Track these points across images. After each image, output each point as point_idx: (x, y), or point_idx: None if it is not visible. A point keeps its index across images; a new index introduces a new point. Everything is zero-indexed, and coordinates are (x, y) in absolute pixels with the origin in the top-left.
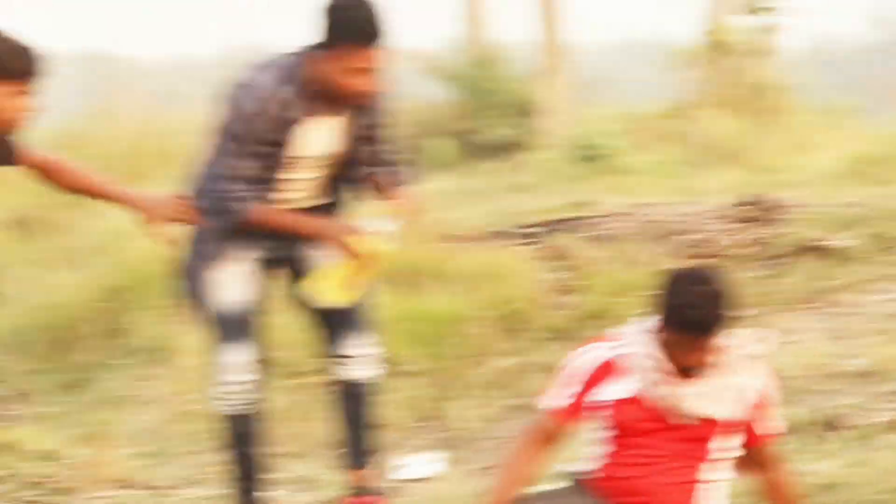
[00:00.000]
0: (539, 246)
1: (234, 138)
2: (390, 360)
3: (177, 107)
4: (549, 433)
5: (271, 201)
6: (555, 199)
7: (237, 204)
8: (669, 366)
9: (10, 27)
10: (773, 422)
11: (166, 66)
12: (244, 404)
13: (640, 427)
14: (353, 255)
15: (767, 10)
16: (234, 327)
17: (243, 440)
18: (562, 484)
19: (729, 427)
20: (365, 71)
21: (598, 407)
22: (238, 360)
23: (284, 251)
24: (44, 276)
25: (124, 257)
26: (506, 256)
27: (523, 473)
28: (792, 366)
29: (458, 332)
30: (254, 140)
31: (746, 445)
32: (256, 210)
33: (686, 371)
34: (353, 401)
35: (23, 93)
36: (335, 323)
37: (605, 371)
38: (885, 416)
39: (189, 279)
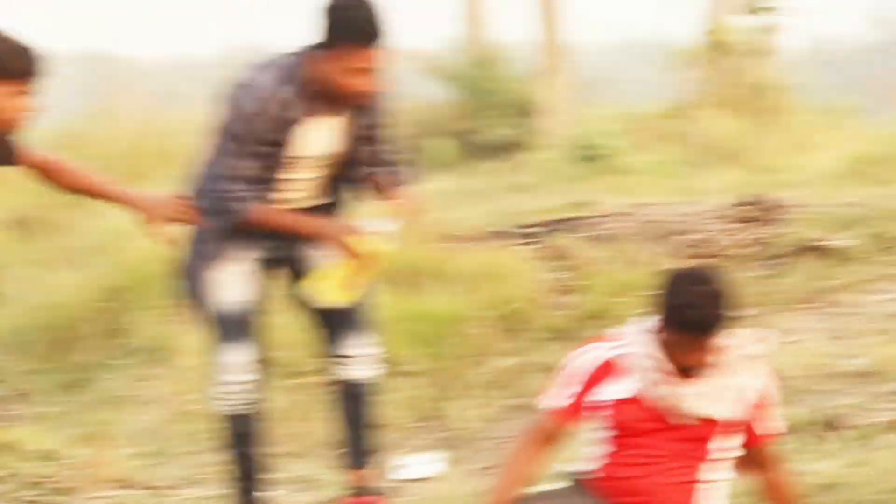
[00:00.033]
0: (539, 246)
1: (233, 138)
2: (390, 359)
3: (176, 107)
4: (550, 433)
5: (271, 201)
6: (555, 199)
7: (237, 204)
8: (669, 366)
9: (9, 27)
10: (773, 422)
11: (166, 66)
12: (244, 404)
13: (640, 427)
14: (353, 255)
15: (767, 10)
16: (233, 327)
17: (243, 440)
18: (562, 484)
19: (729, 427)
20: (365, 71)
21: (598, 407)
22: (238, 360)
23: (284, 251)
24: (44, 276)
25: (124, 257)
26: (505, 256)
27: (523, 473)
28: (792, 366)
29: (457, 332)
30: (254, 140)
31: (746, 445)
32: (256, 210)
33: (686, 371)
34: (352, 401)
35: (23, 93)
36: (335, 323)
37: (605, 371)
38: (885, 416)
39: (189, 279)
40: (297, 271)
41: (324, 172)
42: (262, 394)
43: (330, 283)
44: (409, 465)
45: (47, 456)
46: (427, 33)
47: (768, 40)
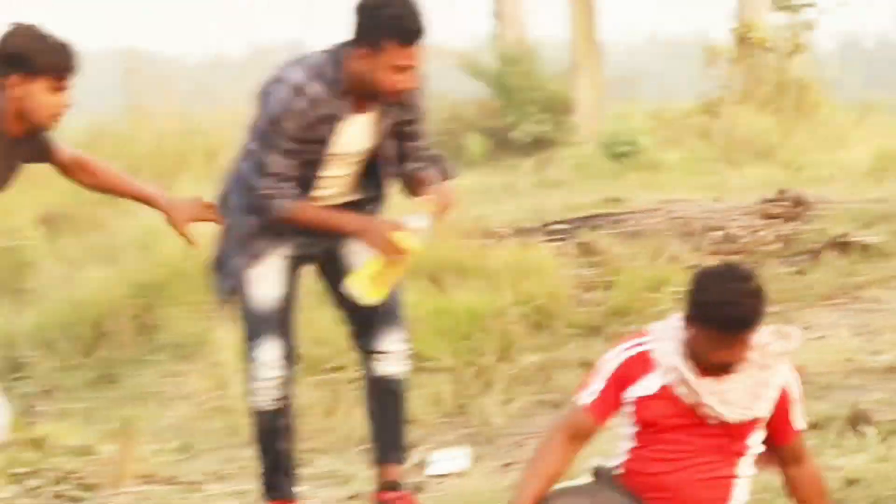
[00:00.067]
0: (567, 242)
1: (266, 135)
2: (416, 355)
3: (208, 104)
4: (580, 429)
5: (306, 198)
6: (584, 196)
7: (272, 201)
8: (700, 363)
9: (44, 24)
10: (799, 418)
11: (198, 64)
12: (275, 400)
13: (670, 423)
14: (391, 251)
15: (798, 7)
16: (266, 323)
17: (273, 435)
18: (590, 479)
19: (755, 423)
20: (406, 68)
21: (629, 403)
22: (270, 356)
23: (317, 247)
24: (74, 273)
25: (154, 254)
26: (533, 253)
27: (552, 469)
28: (816, 362)
29: (484, 328)
30: (286, 137)
31: (772, 441)
32: (292, 207)
33: (717, 368)
34: (383, 396)
35: (60, 89)
36: (368, 319)
37: (636, 368)
38: None
39: (223, 275)
40: (329, 268)
41: (355, 169)
42: (293, 389)
43: (366, 280)
44: (436, 460)
45: (75, 451)
46: (460, 30)
47: (799, 37)
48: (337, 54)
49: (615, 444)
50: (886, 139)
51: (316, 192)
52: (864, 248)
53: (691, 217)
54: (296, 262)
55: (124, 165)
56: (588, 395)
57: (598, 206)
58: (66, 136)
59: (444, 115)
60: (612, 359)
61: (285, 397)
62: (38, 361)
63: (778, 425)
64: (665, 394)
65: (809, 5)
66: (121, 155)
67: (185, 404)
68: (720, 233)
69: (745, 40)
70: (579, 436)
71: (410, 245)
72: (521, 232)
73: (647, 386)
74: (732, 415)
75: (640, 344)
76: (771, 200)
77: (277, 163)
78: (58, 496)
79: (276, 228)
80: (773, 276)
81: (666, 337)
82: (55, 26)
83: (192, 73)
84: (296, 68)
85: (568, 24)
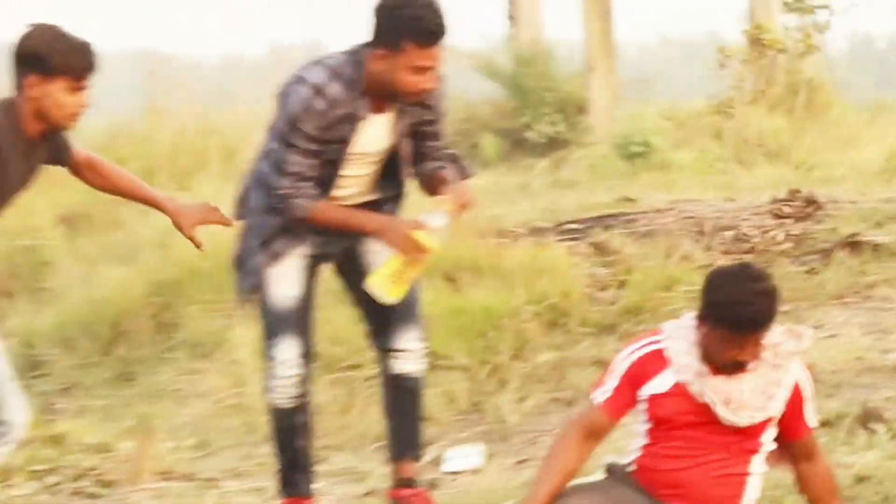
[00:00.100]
0: (581, 242)
1: (286, 135)
2: (433, 354)
3: (226, 105)
4: (595, 427)
5: (325, 198)
6: (598, 196)
7: (292, 200)
8: (713, 361)
9: (63, 24)
10: (810, 416)
11: (216, 65)
12: (293, 398)
13: (683, 420)
14: (411, 250)
15: (811, 9)
16: (285, 322)
17: (291, 433)
18: (604, 475)
19: (767, 422)
20: (426, 69)
21: (644, 401)
22: (288, 354)
23: (335, 247)
24: (92, 272)
25: (174, 253)
26: (547, 252)
27: (568, 466)
28: (828, 360)
29: (498, 327)
30: (306, 137)
31: (784, 438)
32: (311, 206)
33: (729, 367)
34: (401, 394)
35: (80, 89)
36: (387, 317)
37: (650, 366)
38: None
39: (243, 274)
40: (347, 266)
41: (374, 168)
42: (310, 387)
43: (385, 279)
44: (450, 457)
45: (94, 448)
46: (475, 32)
47: (810, 38)
48: (357, 55)
49: (629, 441)
50: None
51: (335, 192)
52: (875, 248)
53: (703, 217)
54: (315, 262)
55: (143, 165)
56: (602, 393)
57: (611, 205)
58: (85, 137)
59: (460, 116)
60: (626, 357)
61: (303, 395)
62: (58, 359)
63: (790, 422)
64: (678, 391)
65: (822, 7)
66: (139, 155)
67: (203, 402)
68: (732, 232)
69: (757, 41)
70: (594, 434)
71: (430, 244)
72: (535, 231)
73: (660, 384)
74: (742, 421)
75: (653, 342)
76: (782, 200)
77: (297, 162)
78: (76, 493)
79: (296, 228)
80: (785, 276)
81: (679, 335)
82: (74, 27)
83: (210, 74)
84: (316, 69)
85: (582, 25)
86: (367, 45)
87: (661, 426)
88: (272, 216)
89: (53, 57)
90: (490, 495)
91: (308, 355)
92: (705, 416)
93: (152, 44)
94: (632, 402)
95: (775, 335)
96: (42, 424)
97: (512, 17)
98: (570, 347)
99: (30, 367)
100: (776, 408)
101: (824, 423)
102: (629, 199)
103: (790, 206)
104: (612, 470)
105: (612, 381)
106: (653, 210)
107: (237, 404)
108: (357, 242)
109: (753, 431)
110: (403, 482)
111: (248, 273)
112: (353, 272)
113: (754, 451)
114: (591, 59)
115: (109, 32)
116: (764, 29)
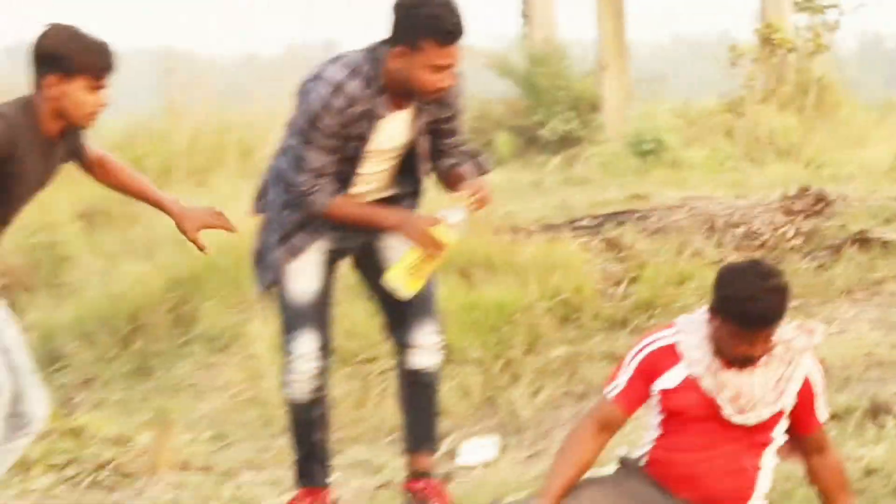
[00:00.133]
0: (593, 238)
1: (305, 132)
2: (447, 348)
3: (243, 103)
4: (609, 421)
5: (344, 194)
6: (610, 193)
7: (311, 196)
8: (724, 356)
9: (81, 23)
10: (821, 410)
11: (233, 64)
12: (311, 391)
13: (695, 414)
14: (429, 245)
15: (821, 8)
16: (303, 316)
17: (308, 426)
18: (617, 468)
19: (779, 415)
20: (444, 67)
21: (656, 395)
22: (306, 348)
23: (353, 242)
24: (111, 267)
25: (191, 248)
26: (560, 248)
27: (582, 459)
28: (838, 355)
29: (512, 322)
30: (325, 134)
31: (795, 432)
32: (330, 202)
33: (740, 362)
34: (416, 387)
35: (97, 88)
36: (404, 312)
37: (663, 360)
38: None
39: (262, 268)
40: (365, 261)
41: (392, 165)
42: (328, 381)
43: (403, 274)
44: (464, 450)
45: (112, 441)
46: (489, 31)
47: (820, 38)
48: (375, 52)
49: (641, 433)
50: None
51: (354, 188)
52: (884, 244)
53: (714, 213)
54: (333, 256)
55: (160, 163)
56: (616, 387)
57: (623, 202)
58: (103, 135)
59: (474, 114)
60: (638, 351)
61: (320, 389)
62: (77, 353)
63: (801, 416)
64: (690, 385)
65: (832, 6)
66: (157, 153)
67: (220, 395)
68: (742, 229)
69: (767, 41)
70: (608, 427)
71: (448, 239)
72: (548, 228)
73: (672, 377)
74: (749, 421)
75: (666, 337)
76: (792, 197)
77: (316, 159)
78: (94, 484)
79: (315, 223)
80: (795, 272)
81: (691, 330)
82: (92, 26)
83: (227, 73)
84: (334, 66)
85: (595, 25)
86: (385, 42)
87: (673, 419)
88: (291, 212)
89: (72, 57)
90: (503, 487)
91: (326, 349)
92: (717, 410)
93: (169, 42)
94: (645, 395)
95: (787, 331)
96: (61, 417)
97: (526, 17)
98: (582, 342)
99: (49, 361)
100: (787, 402)
101: (834, 417)
102: (641, 196)
103: (800, 203)
104: (624, 462)
105: (625, 376)
106: (664, 207)
107: (253, 397)
108: (375, 238)
109: (765, 425)
110: (418, 474)
111: (266, 268)
112: (370, 267)
113: (766, 444)
114: (604, 58)
115: (127, 31)
116: (775, 28)
